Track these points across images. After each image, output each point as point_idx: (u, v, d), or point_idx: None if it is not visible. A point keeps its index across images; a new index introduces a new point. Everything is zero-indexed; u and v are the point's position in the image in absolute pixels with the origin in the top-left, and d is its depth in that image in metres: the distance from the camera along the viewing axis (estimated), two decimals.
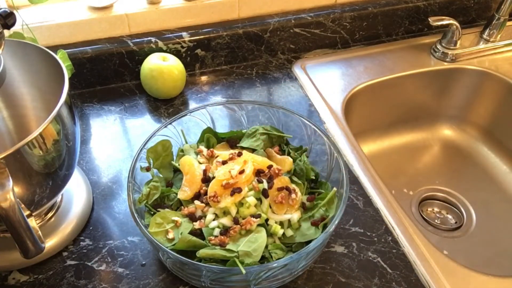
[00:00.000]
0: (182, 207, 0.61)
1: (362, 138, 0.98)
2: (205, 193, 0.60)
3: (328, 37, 0.99)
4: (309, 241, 0.56)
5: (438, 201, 0.93)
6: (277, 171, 0.61)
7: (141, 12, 0.87)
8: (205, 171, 0.62)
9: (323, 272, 0.61)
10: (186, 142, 0.70)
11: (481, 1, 1.05)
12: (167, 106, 0.86)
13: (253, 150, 0.67)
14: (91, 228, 0.66)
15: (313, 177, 0.64)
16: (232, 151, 0.66)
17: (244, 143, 0.68)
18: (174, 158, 0.68)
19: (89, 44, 0.86)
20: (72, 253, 0.63)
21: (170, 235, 0.56)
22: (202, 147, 0.67)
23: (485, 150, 1.00)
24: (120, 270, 0.61)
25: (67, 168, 0.58)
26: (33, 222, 0.50)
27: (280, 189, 0.60)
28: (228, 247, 0.54)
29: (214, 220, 0.58)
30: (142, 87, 0.87)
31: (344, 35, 1.00)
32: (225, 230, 0.56)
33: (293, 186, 0.62)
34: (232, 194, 0.58)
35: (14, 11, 0.54)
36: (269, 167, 0.62)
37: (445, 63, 0.97)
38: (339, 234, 0.65)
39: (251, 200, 0.58)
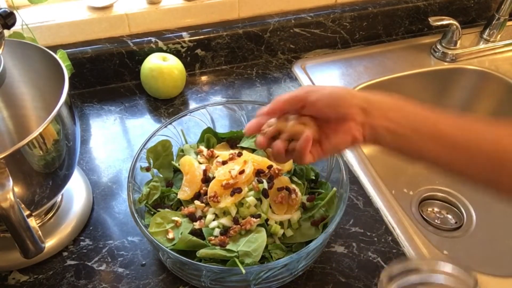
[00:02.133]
0: (182, 207, 0.61)
1: None
2: (205, 193, 0.60)
3: (328, 37, 0.99)
4: (309, 241, 0.56)
5: (438, 201, 0.92)
6: (277, 171, 0.61)
7: (141, 12, 0.87)
8: (205, 171, 0.62)
9: (323, 272, 0.61)
10: (186, 142, 0.70)
11: (481, 1, 1.05)
12: (167, 106, 0.86)
13: (253, 150, 0.67)
14: (91, 228, 0.66)
15: (313, 177, 0.64)
16: (232, 151, 0.66)
17: (244, 143, 0.68)
18: (174, 158, 0.68)
19: (89, 44, 0.86)
20: (72, 253, 0.63)
21: (170, 235, 0.56)
22: (202, 147, 0.67)
23: None
24: (120, 270, 0.61)
25: (67, 168, 0.58)
26: (33, 222, 0.50)
27: (280, 189, 0.60)
28: (228, 247, 0.54)
29: (214, 220, 0.58)
30: (142, 87, 0.87)
31: (344, 35, 1.00)
32: (225, 230, 0.56)
33: (293, 186, 0.62)
34: (232, 194, 0.58)
35: (14, 11, 0.54)
36: (269, 167, 0.62)
37: (445, 63, 0.97)
38: (339, 234, 0.65)
39: (251, 200, 0.58)
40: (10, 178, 0.47)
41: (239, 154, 0.63)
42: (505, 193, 0.45)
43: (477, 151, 0.44)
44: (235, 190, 0.58)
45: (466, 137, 0.45)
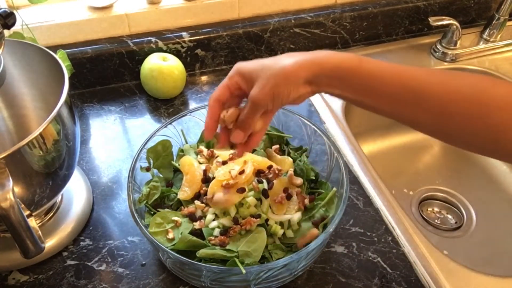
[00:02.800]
0: (182, 207, 0.61)
1: (362, 138, 0.98)
2: (205, 193, 0.60)
3: (328, 37, 0.99)
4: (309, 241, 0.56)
5: (438, 201, 0.92)
6: (277, 171, 0.61)
7: (141, 12, 0.87)
8: (205, 171, 0.62)
9: (323, 272, 0.61)
10: (186, 142, 0.70)
11: (481, 1, 1.05)
12: (167, 106, 0.86)
13: (253, 150, 0.67)
14: (91, 228, 0.66)
15: (313, 177, 0.64)
16: (232, 151, 0.65)
17: None
18: (174, 158, 0.68)
19: (89, 44, 0.86)
20: (72, 253, 0.63)
21: (170, 235, 0.56)
22: (202, 147, 0.67)
23: None
24: (120, 270, 0.61)
25: (67, 168, 0.58)
26: (33, 222, 0.50)
27: (285, 191, 0.60)
28: (228, 247, 0.54)
29: (214, 220, 0.58)
30: (142, 87, 0.87)
31: (344, 35, 1.00)
32: (225, 230, 0.56)
33: (296, 183, 0.61)
34: (239, 192, 0.58)
35: (14, 11, 0.54)
36: (269, 167, 0.62)
37: (445, 63, 0.97)
38: (339, 234, 0.65)
39: (251, 200, 0.58)
40: (10, 178, 0.47)
41: None
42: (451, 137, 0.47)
43: (422, 98, 0.44)
44: (238, 190, 0.58)
45: (410, 88, 0.45)
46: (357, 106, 0.49)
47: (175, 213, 0.60)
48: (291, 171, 0.62)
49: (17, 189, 0.50)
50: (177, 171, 0.66)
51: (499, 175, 0.96)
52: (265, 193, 0.59)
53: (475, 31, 1.03)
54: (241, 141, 0.51)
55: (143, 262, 0.62)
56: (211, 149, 0.66)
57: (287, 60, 0.47)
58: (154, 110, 0.85)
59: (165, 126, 0.66)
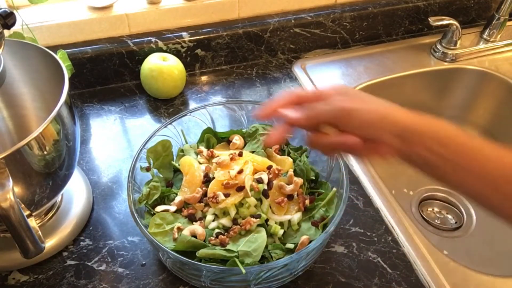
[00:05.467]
0: (182, 207, 0.61)
1: None
2: (205, 194, 0.60)
3: (328, 37, 0.99)
4: (309, 241, 0.56)
5: (438, 201, 0.92)
6: (277, 172, 0.61)
7: (141, 12, 0.87)
8: (205, 172, 0.62)
9: (323, 272, 0.61)
10: (186, 142, 0.70)
11: (481, 1, 1.05)
12: (167, 106, 0.86)
13: (252, 151, 0.67)
14: (91, 228, 0.66)
15: (313, 177, 0.64)
16: (232, 151, 0.65)
17: (247, 147, 0.68)
18: (174, 158, 0.68)
19: (89, 44, 0.85)
20: (72, 253, 0.63)
21: (176, 235, 0.56)
22: (202, 148, 0.67)
23: None
24: (120, 270, 0.61)
25: (67, 168, 0.58)
26: (33, 222, 0.50)
27: (290, 197, 0.60)
28: (228, 247, 0.54)
29: (214, 220, 0.58)
30: (142, 87, 0.87)
31: (344, 35, 1.00)
32: (225, 231, 0.56)
33: (297, 181, 0.61)
34: (238, 190, 0.58)
35: (14, 11, 0.54)
36: (269, 167, 0.62)
37: (445, 63, 0.97)
38: (339, 234, 0.65)
39: (251, 200, 0.58)
40: (10, 178, 0.47)
41: (240, 154, 0.63)
42: None
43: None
44: (237, 189, 0.58)
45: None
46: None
47: (174, 214, 0.59)
48: (291, 171, 0.62)
49: (17, 189, 0.50)
50: (177, 171, 0.66)
51: None
52: (265, 193, 0.59)
53: (475, 31, 1.03)
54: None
55: (143, 262, 0.62)
56: (211, 150, 0.66)
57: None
58: (154, 110, 0.85)
59: (165, 126, 0.66)
